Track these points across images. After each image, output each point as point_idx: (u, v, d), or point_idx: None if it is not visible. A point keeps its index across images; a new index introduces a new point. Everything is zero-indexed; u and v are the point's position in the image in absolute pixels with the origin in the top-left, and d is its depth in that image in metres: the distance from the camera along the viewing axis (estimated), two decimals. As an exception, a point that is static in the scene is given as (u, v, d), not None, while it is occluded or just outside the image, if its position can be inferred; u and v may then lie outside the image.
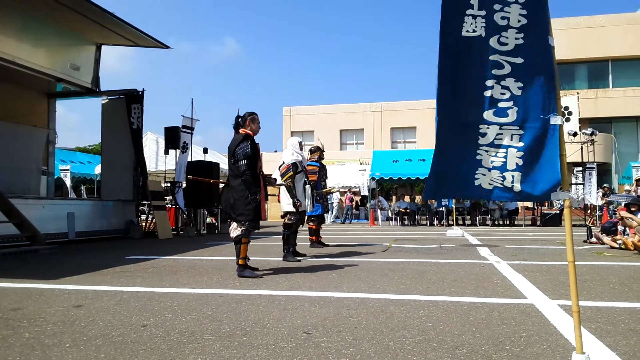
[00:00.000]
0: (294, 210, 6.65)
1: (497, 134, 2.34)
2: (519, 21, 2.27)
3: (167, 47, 12.10)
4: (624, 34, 27.28)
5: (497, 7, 2.27)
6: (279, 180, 6.61)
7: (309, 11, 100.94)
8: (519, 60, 2.28)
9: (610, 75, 28.45)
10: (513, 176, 2.34)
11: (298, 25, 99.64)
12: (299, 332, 3.00)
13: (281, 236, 6.90)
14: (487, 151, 2.36)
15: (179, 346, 2.73)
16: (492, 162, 2.36)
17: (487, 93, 2.33)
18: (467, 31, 2.31)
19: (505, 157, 2.34)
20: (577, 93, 19.84)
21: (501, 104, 2.32)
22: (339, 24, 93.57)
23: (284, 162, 6.68)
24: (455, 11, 2.31)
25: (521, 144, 2.31)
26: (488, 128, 2.34)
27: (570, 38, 26.23)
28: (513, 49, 2.28)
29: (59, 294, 4.31)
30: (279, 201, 7.08)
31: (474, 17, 2.29)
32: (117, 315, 3.47)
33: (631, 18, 27.88)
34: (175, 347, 2.71)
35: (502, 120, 2.32)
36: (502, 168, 2.35)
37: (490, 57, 2.30)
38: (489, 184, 2.38)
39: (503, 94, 2.31)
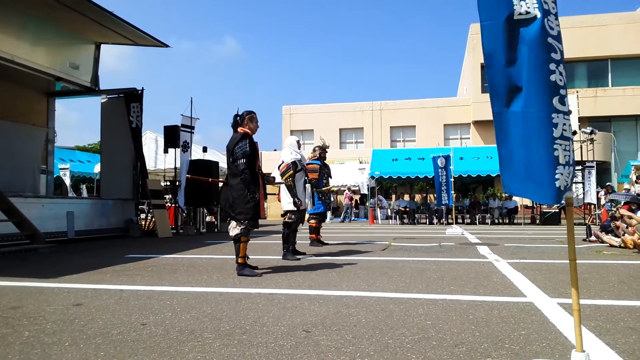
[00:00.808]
0: (295, 209, 6.67)
1: (564, 124, 2.13)
2: (553, 8, 2.18)
3: (166, 45, 12.10)
4: (624, 33, 27.28)
5: None
6: (279, 180, 6.61)
7: (309, 10, 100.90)
8: (562, 47, 2.16)
9: (609, 74, 28.46)
10: (570, 172, 2.16)
11: (298, 25, 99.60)
12: (298, 331, 3.01)
13: (281, 235, 6.91)
14: (560, 145, 2.12)
15: (178, 344, 2.73)
16: (565, 157, 2.13)
17: (552, 77, 2.12)
18: (520, 14, 2.13)
19: (569, 150, 2.15)
20: (577, 92, 19.85)
21: (562, 91, 2.14)
22: (339, 23, 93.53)
23: (283, 162, 6.69)
24: None
25: (571, 135, 2.16)
26: (558, 117, 2.13)
27: (570, 37, 26.17)
28: (557, 35, 2.15)
29: (58, 293, 4.31)
30: (279, 200, 7.08)
31: None
32: (116, 314, 3.47)
33: (631, 17, 27.87)
34: (175, 346, 2.71)
35: (564, 109, 2.14)
36: (569, 163, 2.15)
37: (549, 40, 2.13)
38: (565, 182, 2.14)
39: (561, 80, 2.14)
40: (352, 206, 23.32)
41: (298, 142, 7.00)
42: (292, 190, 6.55)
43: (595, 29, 27.66)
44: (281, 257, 6.72)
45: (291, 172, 6.55)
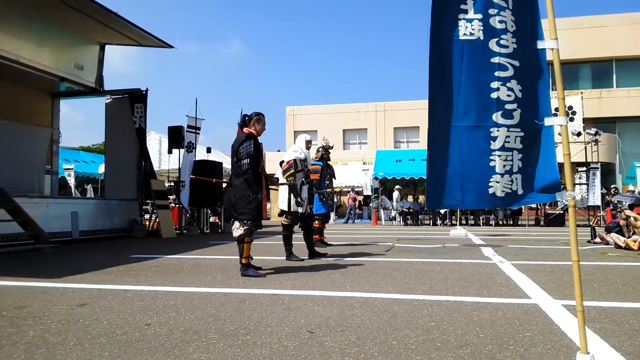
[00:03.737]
0: (287, 209, 6.45)
1: (506, 137, 2.33)
2: (512, 26, 2.32)
3: (171, 46, 12.13)
4: (628, 34, 27.18)
5: (492, 11, 2.31)
6: (281, 179, 6.54)
7: (313, 11, 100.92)
8: (517, 63, 2.32)
9: (614, 75, 28.36)
10: (516, 179, 2.36)
11: (302, 25, 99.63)
12: (302, 331, 3.01)
13: (315, 235, 6.75)
14: (499, 156, 2.34)
15: (182, 344, 2.74)
16: (504, 166, 2.35)
17: (494, 95, 2.32)
18: (465, 34, 2.32)
19: (512, 159, 2.35)
20: (581, 93, 19.76)
21: (507, 106, 2.33)
22: (343, 24, 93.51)
23: (284, 160, 6.57)
24: (448, 16, 2.33)
25: (521, 146, 2.34)
26: (498, 131, 2.33)
27: (574, 38, 26.14)
28: (512, 52, 2.32)
29: (63, 293, 4.32)
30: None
31: (469, 20, 2.31)
32: (121, 314, 3.48)
33: (635, 18, 27.74)
34: (179, 346, 2.71)
35: (509, 122, 2.33)
36: (510, 171, 2.35)
37: (492, 60, 2.31)
38: (502, 190, 2.37)
39: (509, 95, 2.32)
40: (355, 207, 23.31)
41: (309, 141, 6.84)
42: (294, 189, 6.33)
43: (600, 29, 27.57)
44: (284, 258, 6.71)
45: (292, 170, 6.36)
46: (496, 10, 2.30)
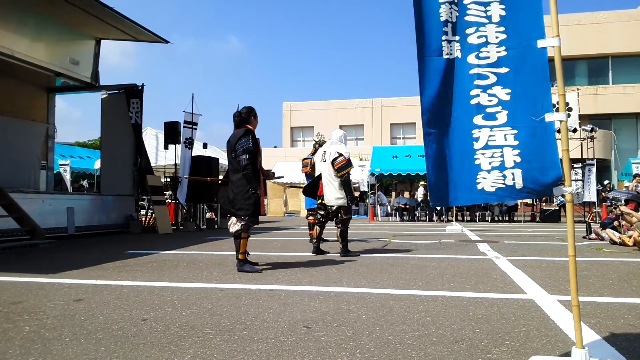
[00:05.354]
0: (346, 205, 6.61)
1: (490, 136, 2.46)
2: (497, 37, 2.44)
3: (167, 41, 12.06)
4: (624, 31, 27.23)
5: (470, 31, 2.48)
6: (333, 174, 6.53)
7: (310, 7, 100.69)
8: (504, 69, 2.44)
9: (610, 72, 28.42)
10: (513, 173, 2.42)
11: (299, 22, 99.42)
12: (299, 326, 3.01)
13: (310, 230, 6.84)
14: (483, 154, 2.47)
15: (179, 340, 2.74)
16: (490, 163, 2.46)
17: (474, 101, 2.48)
18: (447, 54, 2.50)
19: (502, 156, 2.44)
20: (577, 89, 19.78)
21: (489, 109, 2.46)
22: (340, 19, 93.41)
23: (340, 155, 6.55)
24: (434, 40, 2.51)
25: (516, 142, 2.41)
26: (480, 132, 2.47)
27: (571, 34, 26.15)
28: (496, 61, 2.45)
29: (59, 288, 4.31)
30: (319, 194, 6.85)
31: (449, 42, 2.50)
32: (117, 309, 3.47)
33: (631, 14, 27.80)
34: (176, 341, 2.71)
35: (492, 122, 2.46)
36: (501, 167, 2.44)
37: (471, 72, 2.48)
38: (491, 185, 2.47)
39: (490, 100, 2.46)
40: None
41: (345, 136, 6.97)
42: (350, 186, 6.57)
43: (596, 26, 27.60)
44: (281, 253, 6.69)
45: (351, 167, 6.58)
46: (474, 29, 2.47)
